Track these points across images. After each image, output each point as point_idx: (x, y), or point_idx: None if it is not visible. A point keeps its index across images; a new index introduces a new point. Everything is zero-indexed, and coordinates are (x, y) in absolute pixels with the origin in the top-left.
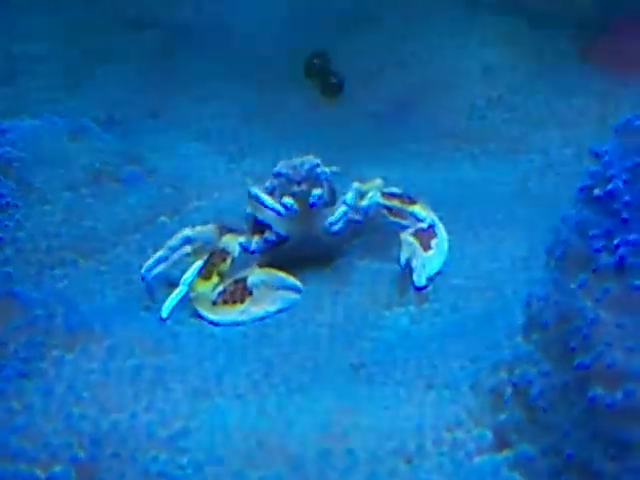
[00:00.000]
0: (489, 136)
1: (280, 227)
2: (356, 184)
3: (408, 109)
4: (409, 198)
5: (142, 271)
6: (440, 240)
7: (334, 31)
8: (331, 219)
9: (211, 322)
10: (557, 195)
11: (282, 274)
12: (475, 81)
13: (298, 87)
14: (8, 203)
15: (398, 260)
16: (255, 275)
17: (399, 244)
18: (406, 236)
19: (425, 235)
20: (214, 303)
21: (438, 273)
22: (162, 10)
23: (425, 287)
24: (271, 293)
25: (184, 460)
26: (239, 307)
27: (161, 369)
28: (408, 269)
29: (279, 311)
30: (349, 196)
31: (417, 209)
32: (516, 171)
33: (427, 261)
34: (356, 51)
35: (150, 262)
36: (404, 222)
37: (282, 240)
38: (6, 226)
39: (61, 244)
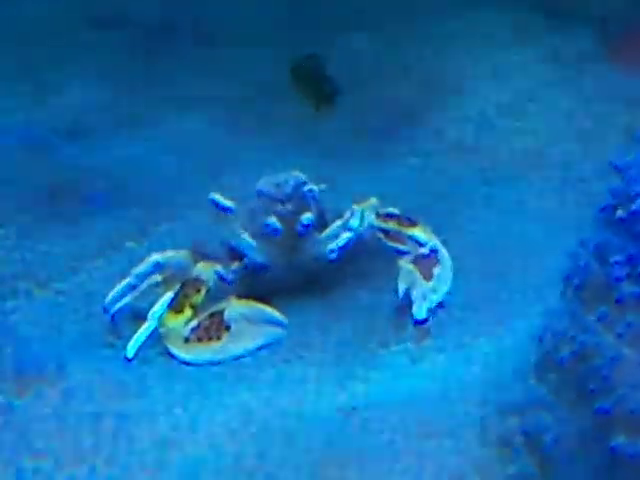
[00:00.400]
0: (500, 148)
1: (258, 253)
2: (357, 206)
3: (410, 119)
4: (408, 220)
5: (105, 302)
6: (443, 268)
7: (328, 33)
8: (332, 245)
9: (183, 362)
10: (577, 216)
11: (263, 307)
12: (484, 86)
13: (285, 95)
14: None
15: (396, 291)
16: (233, 308)
17: (397, 272)
18: (405, 263)
19: (426, 262)
20: (186, 340)
21: (440, 305)
22: (131, 6)
23: (425, 321)
24: (251, 328)
25: None
26: (215, 344)
27: (125, 416)
28: (407, 300)
29: (260, 348)
30: (354, 221)
31: (417, 232)
32: (530, 188)
33: (428, 292)
34: (353, 55)
35: (114, 292)
36: (402, 247)
37: (263, 267)
38: None
39: (13, 272)
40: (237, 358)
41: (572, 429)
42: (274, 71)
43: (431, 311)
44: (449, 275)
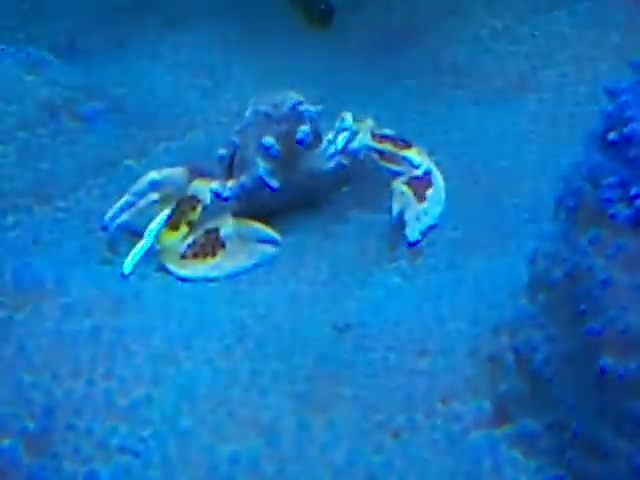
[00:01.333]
0: (493, 72)
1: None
2: (349, 118)
3: (405, 41)
4: (403, 141)
5: (104, 220)
6: (436, 190)
7: None
8: (331, 150)
9: (179, 278)
10: (569, 139)
11: (259, 225)
12: (478, 9)
13: (284, 15)
14: None
15: (389, 211)
16: (228, 225)
17: (390, 193)
18: (398, 185)
19: (419, 184)
20: (183, 256)
21: (433, 227)
22: None
23: (418, 242)
24: (246, 246)
25: (146, 432)
26: (210, 261)
27: (122, 331)
28: (400, 222)
29: (255, 266)
30: (347, 122)
31: (412, 154)
32: (523, 111)
33: (421, 213)
34: None
35: (113, 210)
36: (397, 168)
37: (262, 187)
38: None
39: (14, 188)
40: (232, 275)
41: (562, 348)
42: None
43: (423, 233)
44: (442, 197)
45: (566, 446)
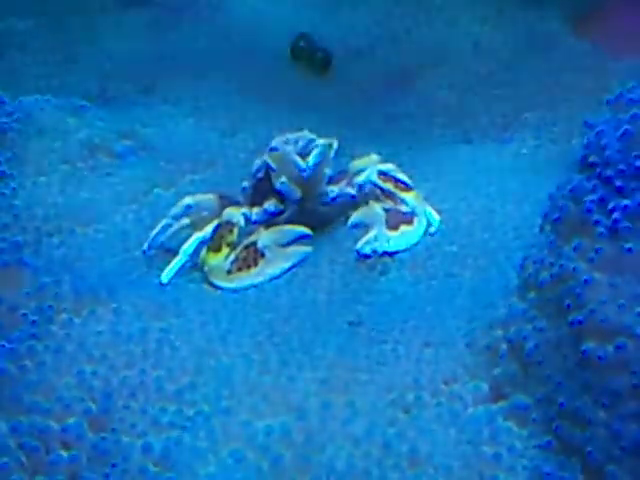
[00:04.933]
0: (480, 113)
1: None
2: (358, 161)
3: (400, 86)
4: (405, 185)
5: (149, 240)
6: (413, 230)
7: (325, 8)
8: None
9: (230, 290)
10: (547, 170)
11: (289, 227)
12: (467, 57)
13: (290, 64)
14: (4, 172)
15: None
16: (264, 236)
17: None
18: (376, 206)
19: (399, 217)
20: (229, 272)
21: (387, 254)
22: None
23: (365, 256)
24: (283, 250)
25: (192, 411)
26: (254, 270)
27: (166, 331)
28: (355, 229)
29: (294, 266)
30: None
31: (409, 196)
32: (507, 147)
33: (383, 237)
34: (347, 29)
35: (155, 231)
36: (390, 203)
37: (281, 212)
38: (2, 194)
39: (57, 213)
40: (276, 277)
41: (550, 337)
42: (276, 45)
43: (374, 252)
44: (414, 238)
45: (554, 417)
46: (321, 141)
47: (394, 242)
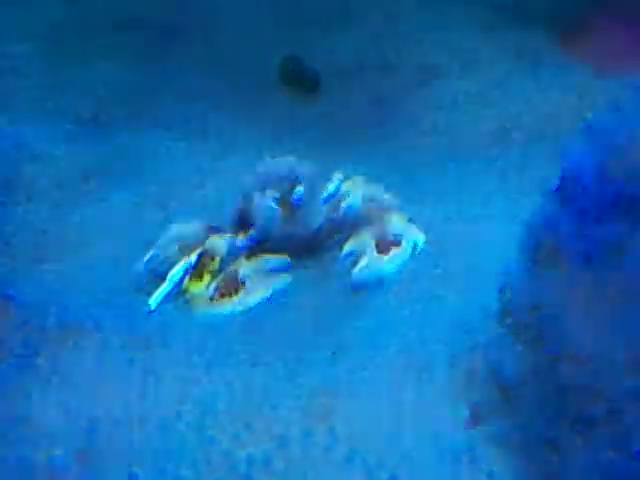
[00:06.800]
0: (468, 132)
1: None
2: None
3: (388, 106)
4: (390, 207)
5: (139, 268)
6: (400, 252)
7: (314, 29)
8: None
9: (209, 317)
10: (533, 190)
11: (268, 255)
12: (454, 77)
13: (279, 86)
14: None
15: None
16: (245, 266)
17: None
18: (364, 234)
19: (387, 242)
20: (211, 299)
21: (381, 278)
22: (146, 11)
23: (362, 284)
24: (262, 279)
25: (176, 440)
26: (235, 298)
27: (151, 361)
28: (348, 258)
29: (273, 295)
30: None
31: (394, 219)
32: (494, 166)
33: (374, 262)
34: (337, 50)
35: (145, 260)
36: (376, 229)
37: (265, 239)
38: None
39: (48, 239)
40: (254, 307)
41: (528, 363)
42: (265, 68)
43: (369, 279)
44: (402, 260)
45: (531, 442)
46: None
47: (385, 266)
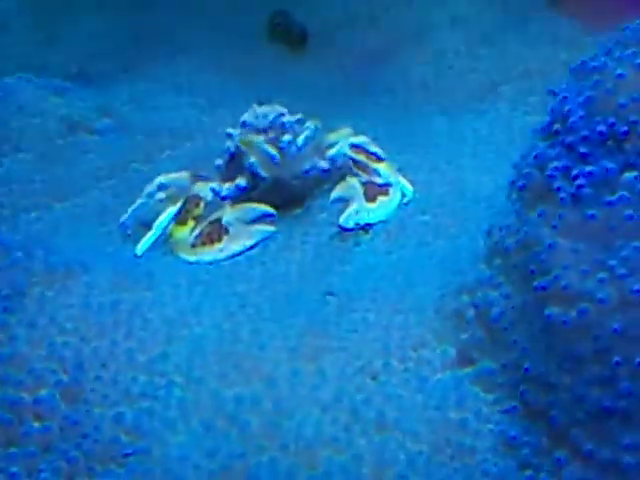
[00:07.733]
0: (457, 86)
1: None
2: (333, 134)
3: (377, 61)
4: (376, 156)
5: (125, 216)
6: (389, 200)
7: None
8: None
9: (192, 263)
10: (522, 142)
11: (254, 204)
12: (443, 32)
13: (268, 41)
14: None
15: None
16: (228, 214)
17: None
18: (352, 179)
19: (375, 189)
20: (193, 246)
21: (369, 225)
22: None
23: (349, 230)
24: (247, 228)
25: (163, 381)
26: (218, 246)
27: (138, 303)
28: (336, 204)
29: (256, 244)
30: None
31: (381, 167)
32: (482, 119)
33: (363, 209)
34: (325, 6)
35: (130, 210)
36: (366, 176)
37: (253, 187)
38: None
39: (35, 189)
40: (237, 255)
41: (515, 302)
42: (254, 22)
43: (357, 225)
44: (391, 207)
45: (519, 382)
46: (310, 124)
47: (374, 213)
